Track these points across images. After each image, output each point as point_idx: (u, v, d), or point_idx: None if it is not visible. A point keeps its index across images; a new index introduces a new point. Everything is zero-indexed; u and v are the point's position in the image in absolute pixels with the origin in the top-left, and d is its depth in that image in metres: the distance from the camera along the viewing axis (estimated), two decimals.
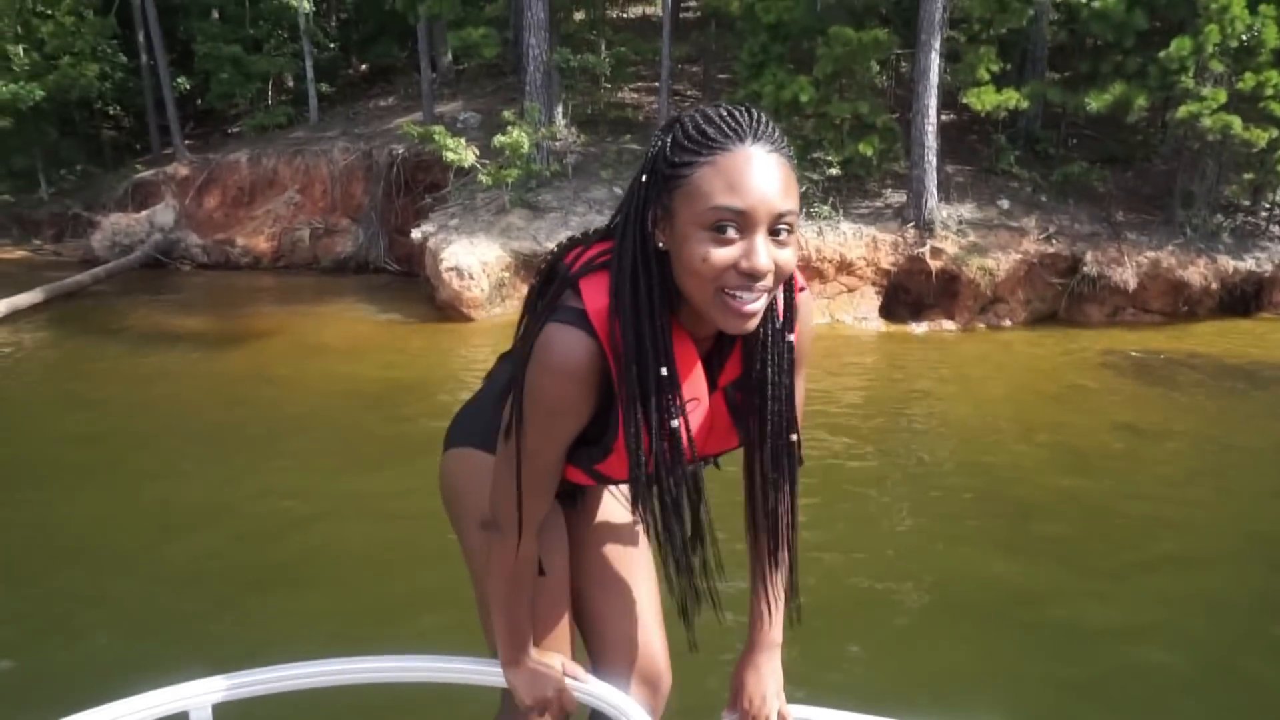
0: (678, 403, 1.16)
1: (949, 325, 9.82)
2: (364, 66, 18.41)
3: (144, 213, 13.48)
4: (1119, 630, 3.49)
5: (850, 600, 3.74)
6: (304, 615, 3.50)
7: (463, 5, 11.95)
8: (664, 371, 1.13)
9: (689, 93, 14.23)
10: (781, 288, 1.17)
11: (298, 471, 5.12)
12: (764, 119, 1.07)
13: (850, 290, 10.04)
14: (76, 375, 7.63)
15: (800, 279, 1.25)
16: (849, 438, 5.97)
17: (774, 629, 1.45)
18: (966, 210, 10.35)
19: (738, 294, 1.05)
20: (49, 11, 14.95)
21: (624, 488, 1.56)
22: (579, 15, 13.02)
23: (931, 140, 9.86)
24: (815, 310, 1.31)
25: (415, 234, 10.42)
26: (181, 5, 16.12)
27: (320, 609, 3.57)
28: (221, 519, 4.42)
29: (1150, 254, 9.89)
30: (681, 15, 14.56)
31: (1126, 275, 9.75)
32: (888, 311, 10.05)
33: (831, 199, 10.25)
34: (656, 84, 12.89)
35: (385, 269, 12.54)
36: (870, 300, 10.03)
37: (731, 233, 1.03)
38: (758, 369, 1.21)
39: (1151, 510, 4.80)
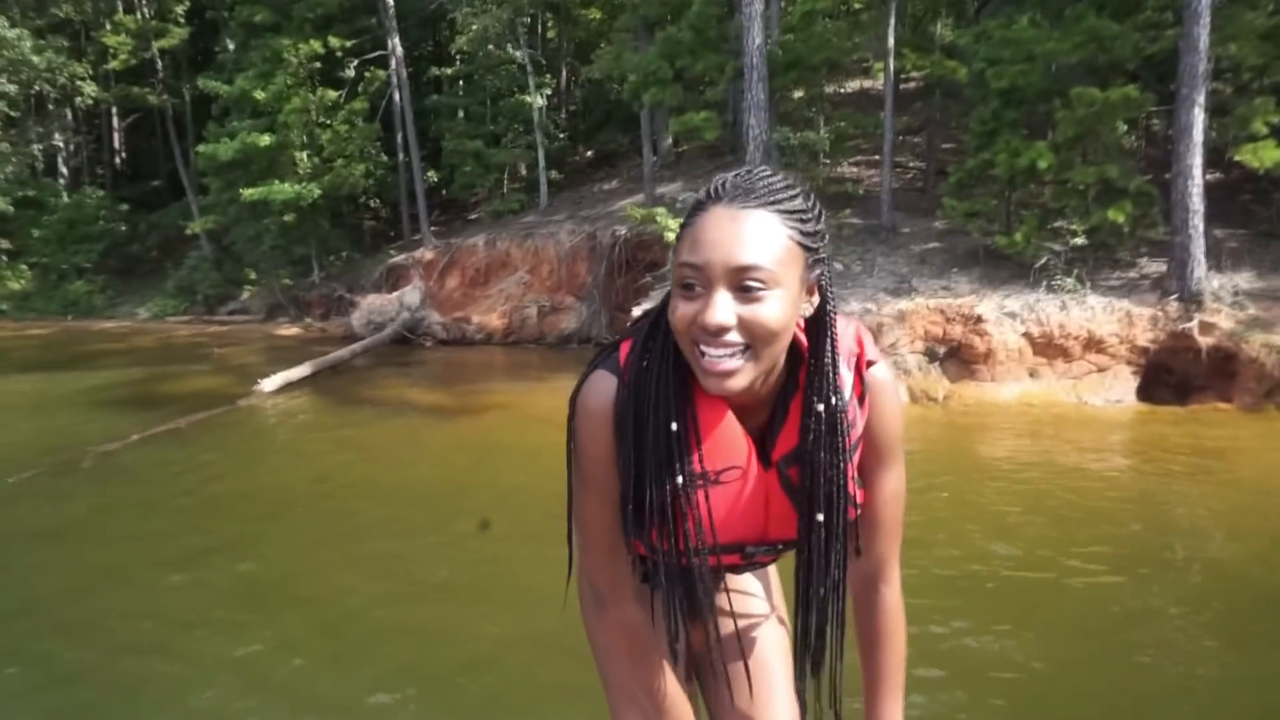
0: (689, 466, 1.11)
1: (1225, 407, 8.58)
2: (590, 153, 19.55)
3: (395, 293, 14.89)
4: None
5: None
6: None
7: (684, 92, 12.37)
8: (673, 427, 1.09)
9: (911, 164, 13.81)
10: (847, 361, 1.14)
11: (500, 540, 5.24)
12: (752, 177, 1.06)
13: (1100, 370, 9.07)
14: (328, 441, 8.39)
15: (872, 351, 1.16)
16: (1089, 531, 5.26)
17: None
18: (1243, 279, 9.12)
19: (706, 351, 1.03)
20: (328, 121, 17.19)
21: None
22: (798, 94, 13.09)
23: (1197, 203, 8.84)
24: (896, 390, 1.21)
25: (636, 311, 10.69)
26: (433, 108, 17.98)
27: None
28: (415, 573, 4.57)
29: None
30: (901, 87, 14.25)
31: None
32: (1147, 393, 8.97)
33: (1076, 271, 9.41)
34: (876, 157, 12.61)
35: None
36: (1125, 380, 9.01)
37: (698, 289, 1.03)
38: (809, 443, 1.13)
39: None
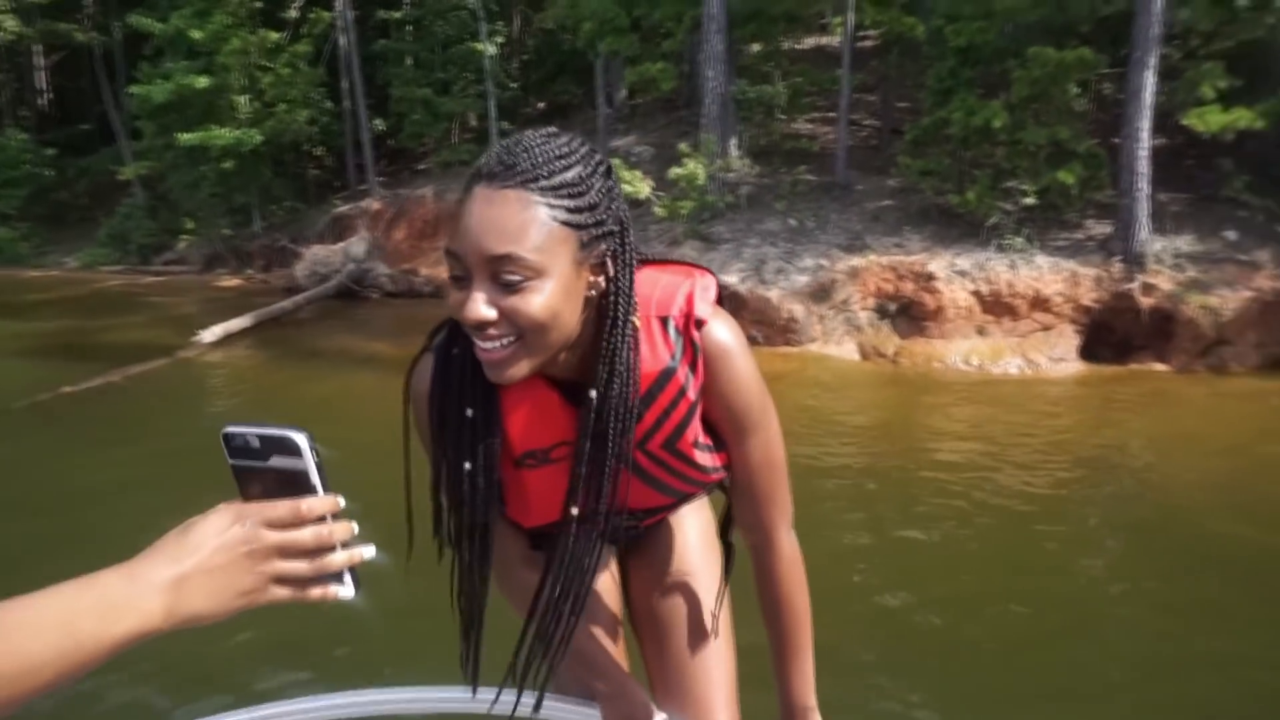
0: (485, 454, 1.07)
1: (1161, 369, 8.83)
2: (542, 105, 19.13)
3: (340, 244, 14.47)
4: None
5: (1024, 669, 3.27)
6: None
7: (641, 41, 12.13)
8: (468, 413, 1.06)
9: (866, 122, 13.80)
10: (677, 324, 1.05)
11: None
12: (516, 150, 0.94)
13: (1046, 328, 9.25)
14: (271, 392, 8.15)
15: (704, 309, 1.06)
16: (1029, 496, 5.38)
17: None
18: (1184, 242, 9.33)
19: (477, 342, 0.96)
20: (269, 65, 16.49)
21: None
22: (756, 47, 12.93)
23: (1144, 166, 8.98)
24: (740, 350, 1.09)
25: None
26: (381, 53, 17.37)
27: None
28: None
29: None
30: (858, 44, 14.18)
31: None
32: (1089, 352, 9.18)
33: (1026, 231, 9.53)
34: (832, 114, 12.57)
35: None
36: (1068, 339, 9.21)
37: (463, 279, 0.95)
38: (591, 423, 1.03)
39: None
